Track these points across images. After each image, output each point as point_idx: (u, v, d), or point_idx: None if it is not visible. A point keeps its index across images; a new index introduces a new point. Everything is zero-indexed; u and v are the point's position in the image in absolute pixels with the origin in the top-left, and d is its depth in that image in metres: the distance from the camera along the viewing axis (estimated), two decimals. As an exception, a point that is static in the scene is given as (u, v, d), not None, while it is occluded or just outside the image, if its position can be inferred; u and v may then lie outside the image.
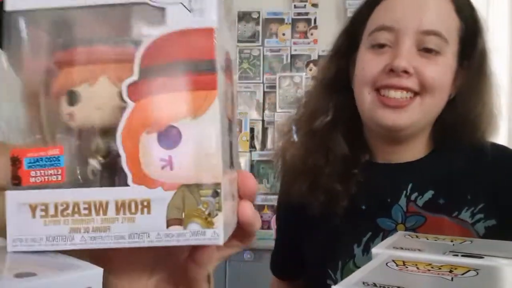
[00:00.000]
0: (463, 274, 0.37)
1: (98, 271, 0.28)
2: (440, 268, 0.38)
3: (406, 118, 0.73)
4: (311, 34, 2.63)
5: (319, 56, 2.59)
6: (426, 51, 0.73)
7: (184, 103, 0.28)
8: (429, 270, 0.38)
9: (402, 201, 0.77)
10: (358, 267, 0.73)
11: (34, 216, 0.29)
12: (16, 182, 0.29)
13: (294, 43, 2.63)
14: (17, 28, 0.30)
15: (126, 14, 0.29)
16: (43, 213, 0.29)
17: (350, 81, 0.81)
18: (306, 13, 2.65)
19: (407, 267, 0.38)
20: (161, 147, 0.28)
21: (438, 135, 0.81)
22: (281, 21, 2.63)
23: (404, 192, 0.77)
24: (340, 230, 0.79)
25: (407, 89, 0.72)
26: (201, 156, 0.28)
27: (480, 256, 0.43)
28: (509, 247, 0.49)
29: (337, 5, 2.65)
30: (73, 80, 0.30)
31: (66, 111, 0.30)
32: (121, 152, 0.28)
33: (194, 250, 0.34)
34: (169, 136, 0.28)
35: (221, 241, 0.28)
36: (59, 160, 0.29)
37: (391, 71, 0.72)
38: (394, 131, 0.75)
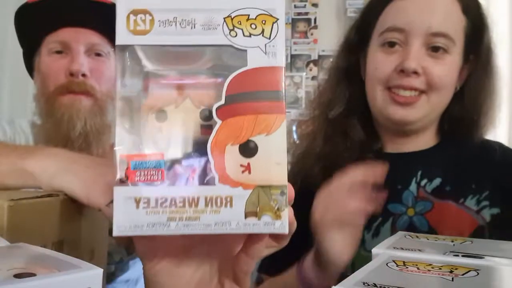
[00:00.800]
0: (463, 274, 0.38)
1: (98, 272, 0.29)
2: (440, 269, 0.39)
3: (414, 114, 0.80)
4: (311, 34, 2.69)
5: (319, 56, 2.66)
6: (434, 50, 0.78)
7: (260, 123, 0.36)
8: (429, 270, 0.38)
9: (413, 186, 0.82)
10: (369, 252, 0.80)
11: (138, 207, 0.36)
12: (125, 180, 0.36)
13: (294, 43, 2.68)
14: (123, 59, 0.38)
15: (214, 53, 0.37)
16: (145, 205, 0.36)
17: (361, 73, 0.86)
18: (306, 13, 2.70)
19: (407, 268, 0.39)
20: (242, 156, 0.36)
21: (446, 127, 0.86)
22: (280, 21, 2.69)
23: (414, 178, 0.83)
24: None
25: (415, 89, 0.78)
26: (272, 164, 0.36)
27: (480, 257, 0.44)
28: (510, 247, 0.50)
29: (337, 5, 2.70)
30: (163, 102, 0.38)
31: (155, 126, 0.38)
32: (210, 158, 0.36)
33: (247, 244, 0.41)
34: (248, 148, 0.36)
35: (286, 231, 0.36)
36: (160, 164, 0.37)
37: (402, 71, 0.78)
38: (402, 125, 0.82)
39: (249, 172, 0.36)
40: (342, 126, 0.87)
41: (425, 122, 0.83)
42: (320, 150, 0.87)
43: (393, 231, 0.82)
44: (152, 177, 0.36)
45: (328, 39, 2.42)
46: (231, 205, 0.36)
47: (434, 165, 0.83)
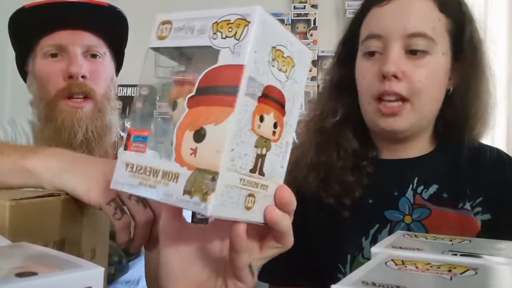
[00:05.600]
0: (462, 273, 0.37)
1: (99, 270, 0.29)
2: (439, 267, 0.38)
3: (401, 123, 0.80)
4: (311, 35, 2.58)
5: (318, 56, 2.53)
6: (413, 53, 0.78)
7: (213, 113, 0.40)
8: (428, 269, 0.38)
9: (409, 194, 0.82)
10: (367, 259, 0.75)
11: (126, 170, 0.45)
12: (125, 148, 0.46)
13: (294, 44, 2.67)
14: (153, 58, 0.47)
15: (197, 53, 0.44)
16: (130, 169, 0.45)
17: (355, 84, 0.87)
18: (306, 14, 2.63)
19: (406, 267, 0.39)
20: (193, 141, 0.40)
21: (441, 131, 0.86)
22: (280, 22, 2.55)
23: (411, 185, 0.83)
24: (348, 225, 0.83)
25: (398, 94, 0.78)
26: (213, 151, 0.39)
27: (478, 256, 0.43)
28: (508, 246, 0.50)
29: (336, 6, 2.59)
30: (177, 94, 0.45)
31: (169, 113, 0.46)
32: (174, 140, 0.42)
33: (231, 241, 0.43)
34: (199, 134, 0.40)
35: (208, 213, 0.38)
36: (145, 138, 0.45)
37: (383, 77, 0.78)
38: (392, 134, 0.83)
39: (195, 156, 0.40)
40: (335, 137, 0.88)
41: (416, 129, 0.83)
42: (313, 160, 0.88)
43: None
44: (139, 148, 0.45)
45: (328, 40, 2.28)
46: (176, 181, 0.40)
47: (430, 172, 0.83)
